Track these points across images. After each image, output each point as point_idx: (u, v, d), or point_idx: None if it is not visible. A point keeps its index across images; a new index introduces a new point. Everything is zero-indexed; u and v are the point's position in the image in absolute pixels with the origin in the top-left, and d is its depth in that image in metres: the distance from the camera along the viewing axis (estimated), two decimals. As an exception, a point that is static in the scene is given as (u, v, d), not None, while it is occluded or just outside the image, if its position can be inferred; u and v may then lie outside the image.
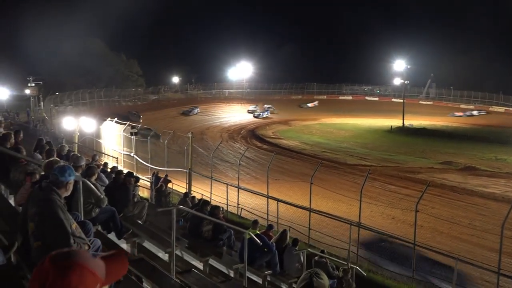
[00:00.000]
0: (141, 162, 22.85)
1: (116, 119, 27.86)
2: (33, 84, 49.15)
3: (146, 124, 41.75)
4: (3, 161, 7.67)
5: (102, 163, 16.67)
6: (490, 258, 13.82)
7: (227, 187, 19.10)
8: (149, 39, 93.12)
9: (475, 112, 71.88)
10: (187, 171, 19.20)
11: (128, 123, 26.13)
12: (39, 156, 8.93)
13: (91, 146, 25.89)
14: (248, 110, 67.86)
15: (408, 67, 72.78)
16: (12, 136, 8.21)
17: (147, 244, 7.79)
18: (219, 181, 20.60)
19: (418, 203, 13.04)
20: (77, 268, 1.31)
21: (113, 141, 27.53)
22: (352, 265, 11.13)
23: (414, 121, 62.51)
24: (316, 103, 75.77)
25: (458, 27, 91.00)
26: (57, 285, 1.28)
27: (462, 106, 77.18)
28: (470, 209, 21.53)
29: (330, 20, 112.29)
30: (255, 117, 64.62)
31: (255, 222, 10.29)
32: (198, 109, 63.74)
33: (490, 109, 74.64)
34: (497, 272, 10.93)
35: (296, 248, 10.06)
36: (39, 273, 1.30)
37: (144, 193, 17.94)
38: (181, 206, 9.35)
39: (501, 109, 74.02)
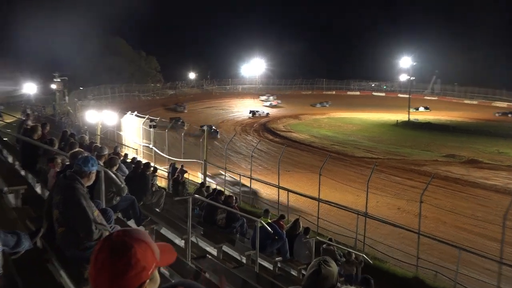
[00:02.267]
0: (159, 153, 22.91)
1: (136, 112, 27.87)
2: (59, 80, 49.66)
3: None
4: (31, 151, 7.76)
5: (123, 154, 16.74)
6: (492, 248, 13.77)
7: (240, 178, 19.07)
8: (167, 36, 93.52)
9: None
10: (203, 162, 19.26)
11: (147, 116, 26.04)
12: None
13: (113, 138, 26.07)
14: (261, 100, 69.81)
15: (414, 63, 71.90)
16: (39, 128, 8.24)
17: (164, 231, 7.78)
18: (232, 172, 20.65)
19: (423, 194, 12.93)
20: (142, 244, 1.39)
21: (133, 133, 27.62)
22: (358, 253, 11.06)
23: (420, 115, 61.96)
24: (329, 103, 74.57)
25: (462, 24, 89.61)
26: (124, 255, 1.36)
27: (466, 101, 76.00)
28: (472, 200, 21.49)
29: (339, 18, 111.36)
30: (266, 106, 66.31)
31: (266, 211, 10.26)
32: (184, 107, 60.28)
33: (493, 104, 73.35)
34: (499, 261, 10.81)
35: (307, 236, 10.02)
36: (107, 244, 1.38)
37: (161, 182, 17.96)
38: (197, 196, 9.28)
39: (504, 104, 72.67)
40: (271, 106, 67.25)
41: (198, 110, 60.69)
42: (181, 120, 39.53)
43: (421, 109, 69.62)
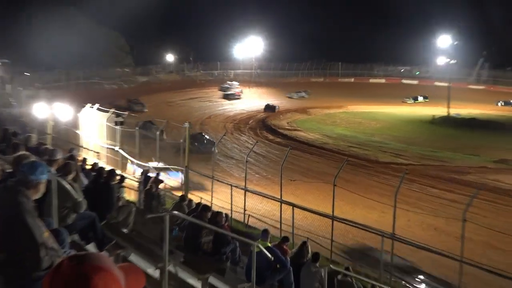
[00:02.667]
0: (128, 158, 22.96)
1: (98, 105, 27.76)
2: (-1, 63, 49.32)
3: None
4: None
5: (81, 158, 16.77)
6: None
7: (231, 189, 18.95)
8: (138, 7, 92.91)
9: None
10: (183, 169, 19.27)
11: (112, 110, 25.96)
12: None
13: (68, 138, 25.67)
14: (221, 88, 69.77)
15: (455, 43, 72.10)
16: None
17: (134, 258, 7.80)
18: (222, 182, 20.62)
19: (466, 210, 13.01)
20: (104, 273, 1.41)
21: (94, 132, 27.24)
22: (383, 286, 11.12)
23: (462, 109, 62.09)
24: (308, 92, 74.20)
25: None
26: None
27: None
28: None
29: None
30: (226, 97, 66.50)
31: (266, 232, 10.27)
32: None
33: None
34: None
35: (317, 265, 10.01)
36: (57, 276, 1.38)
37: (131, 195, 18.09)
38: (176, 212, 9.28)
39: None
40: (233, 98, 66.36)
41: (178, 102, 60.74)
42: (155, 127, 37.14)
43: (420, 98, 71.02)
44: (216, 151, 24.74)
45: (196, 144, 31.51)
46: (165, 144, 26.10)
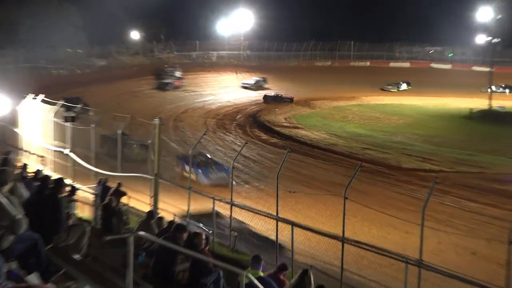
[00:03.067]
0: (81, 164, 22.50)
1: (43, 96, 27.57)
2: None
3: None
4: None
5: (21, 164, 16.78)
6: None
7: (213, 203, 18.66)
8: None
9: None
10: (153, 178, 19.06)
11: (60, 102, 25.80)
12: None
13: (3, 139, 25.98)
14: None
15: (498, 17, 72.16)
16: None
17: (88, 291, 7.63)
18: (201, 194, 20.33)
19: (514, 230, 13.19)
20: None
21: (37, 130, 26.88)
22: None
23: (507, 101, 62.84)
24: (254, 80, 73.44)
25: None
26: None
27: None
28: None
29: None
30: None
31: (257, 258, 10.29)
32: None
33: None
34: None
35: (322, 300, 10.02)
36: None
37: (84, 211, 17.99)
38: (143, 233, 9.37)
39: None
40: (169, 89, 65.65)
41: (146, 92, 60.84)
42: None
43: (404, 86, 72.78)
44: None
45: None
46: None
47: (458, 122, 54.43)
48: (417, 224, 14.12)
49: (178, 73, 69.38)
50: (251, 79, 73.27)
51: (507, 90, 73.71)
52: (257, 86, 71.42)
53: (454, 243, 20.36)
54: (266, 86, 71.59)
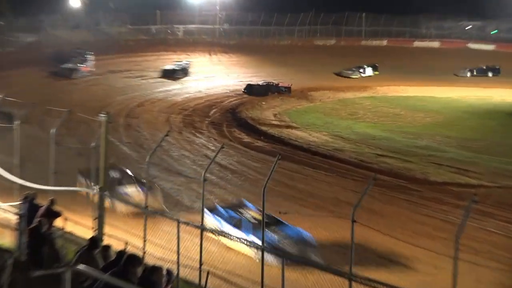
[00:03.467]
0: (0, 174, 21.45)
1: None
2: None
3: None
4: None
5: None
6: None
7: (178, 227, 17.20)
8: None
9: None
10: (97, 192, 18.22)
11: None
12: None
13: None
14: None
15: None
16: None
17: None
18: (162, 215, 20.07)
19: None
20: None
21: None
22: None
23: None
24: (178, 64, 68.72)
25: None
26: None
27: None
28: None
29: None
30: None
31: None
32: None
33: None
34: None
35: None
36: None
37: (4, 237, 17.98)
38: (83, 266, 9.13)
39: None
40: (73, 76, 59.60)
41: (90, 79, 58.07)
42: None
43: (368, 71, 71.12)
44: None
45: None
46: (64, 150, 24.28)
47: (501, 120, 51.97)
48: (449, 257, 13.47)
49: (87, 57, 62.31)
50: (173, 63, 66.41)
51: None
52: (184, 73, 65.20)
53: (498, 280, 19.55)
54: (225, 72, 66.46)
